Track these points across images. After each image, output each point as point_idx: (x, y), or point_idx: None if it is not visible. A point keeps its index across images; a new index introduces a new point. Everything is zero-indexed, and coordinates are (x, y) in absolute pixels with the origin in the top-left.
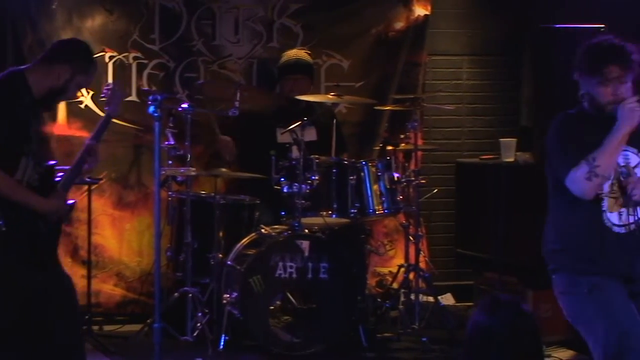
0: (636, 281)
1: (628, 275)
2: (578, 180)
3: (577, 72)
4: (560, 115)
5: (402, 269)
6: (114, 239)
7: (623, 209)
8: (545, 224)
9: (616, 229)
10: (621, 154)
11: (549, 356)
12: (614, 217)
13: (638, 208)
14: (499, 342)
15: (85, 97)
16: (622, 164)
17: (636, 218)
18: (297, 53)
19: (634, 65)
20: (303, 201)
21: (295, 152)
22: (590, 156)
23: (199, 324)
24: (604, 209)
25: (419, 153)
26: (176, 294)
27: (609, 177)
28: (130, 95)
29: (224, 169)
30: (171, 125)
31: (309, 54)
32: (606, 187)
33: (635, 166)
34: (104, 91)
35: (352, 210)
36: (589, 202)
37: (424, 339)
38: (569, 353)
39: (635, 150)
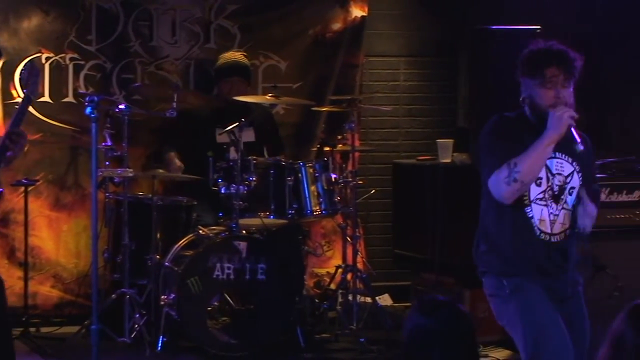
0: (561, 288)
1: (552, 281)
2: (498, 184)
3: (519, 75)
4: (495, 116)
5: (340, 270)
6: (51, 240)
7: (553, 217)
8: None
9: (543, 236)
10: (554, 162)
11: (486, 356)
12: (544, 224)
13: (566, 216)
14: (436, 343)
15: (21, 98)
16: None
17: (566, 227)
18: (233, 55)
19: (576, 72)
20: (241, 202)
21: (232, 153)
22: (513, 161)
23: (136, 326)
24: (530, 215)
25: (356, 154)
26: (113, 296)
27: (529, 184)
28: (67, 96)
29: (161, 170)
30: (108, 126)
31: (245, 56)
32: (536, 193)
33: (569, 175)
34: (21, 73)
35: (290, 211)
36: (516, 206)
37: (361, 340)
38: (505, 353)
39: (569, 159)
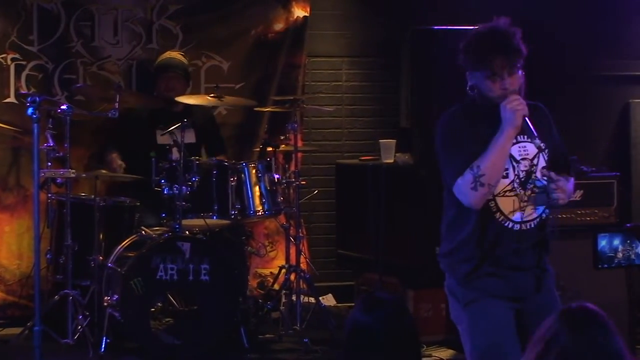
0: (528, 282)
1: (518, 277)
2: (465, 191)
3: (463, 64)
4: (443, 116)
5: (283, 270)
6: None
7: (523, 204)
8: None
9: (516, 226)
10: (517, 147)
11: (430, 355)
12: (515, 214)
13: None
14: (377, 340)
15: None
16: (539, 177)
17: (538, 215)
18: (170, 54)
19: (522, 52)
20: (183, 203)
21: (175, 154)
22: (475, 164)
23: (79, 327)
24: (495, 209)
25: (299, 154)
26: (56, 297)
27: (497, 184)
28: (8, 97)
29: (104, 171)
30: (50, 127)
31: (182, 55)
32: (502, 187)
33: (535, 156)
34: None
35: (233, 212)
36: (491, 210)
37: (305, 340)
38: (449, 352)
39: (529, 140)
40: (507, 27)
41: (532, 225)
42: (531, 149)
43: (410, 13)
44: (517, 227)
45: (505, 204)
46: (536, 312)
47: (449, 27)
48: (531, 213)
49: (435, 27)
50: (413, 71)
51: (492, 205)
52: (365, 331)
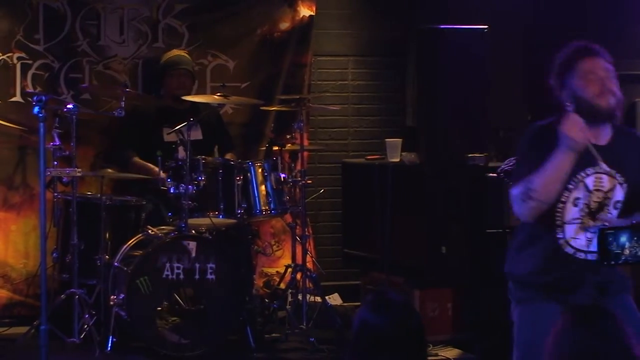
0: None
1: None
2: (515, 200)
3: (556, 76)
4: (530, 126)
5: (289, 270)
6: (0, 240)
7: (590, 234)
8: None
9: (579, 255)
10: (592, 177)
11: (436, 355)
12: (579, 243)
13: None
14: (385, 340)
15: None
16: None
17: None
18: (175, 52)
19: (611, 62)
20: (190, 202)
21: (181, 153)
22: (531, 177)
23: (85, 326)
24: (561, 236)
25: (305, 153)
26: (63, 296)
27: (547, 202)
28: (14, 96)
29: (109, 170)
30: (56, 126)
31: (187, 53)
32: (572, 215)
33: (610, 190)
34: None
35: (239, 211)
36: (547, 227)
37: (311, 339)
38: (455, 352)
39: (611, 171)
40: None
41: (595, 257)
42: (607, 180)
43: (417, 12)
44: (581, 255)
45: (570, 230)
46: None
47: (455, 27)
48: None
49: (442, 27)
50: (419, 70)
51: (559, 233)
52: (373, 331)
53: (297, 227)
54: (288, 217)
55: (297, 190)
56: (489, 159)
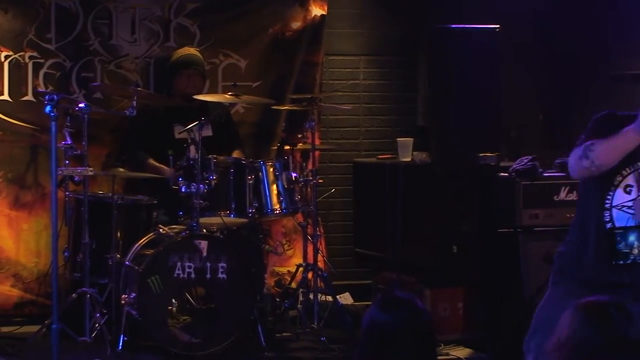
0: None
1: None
2: (573, 155)
3: None
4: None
5: (301, 269)
6: (11, 239)
7: None
8: None
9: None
10: None
11: (447, 354)
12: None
13: None
14: (394, 339)
15: None
16: None
17: None
18: (187, 50)
19: None
20: (201, 201)
21: (192, 152)
22: (595, 140)
23: (97, 325)
24: (607, 219)
25: (317, 153)
26: (74, 295)
27: (600, 167)
28: (26, 95)
29: (121, 169)
30: (68, 125)
31: (198, 51)
32: (622, 200)
33: None
34: None
35: (250, 210)
36: (597, 208)
37: (322, 339)
38: (466, 351)
39: None
40: None
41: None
42: None
43: (428, 11)
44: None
45: (620, 218)
46: None
47: (466, 26)
48: None
49: (453, 26)
50: (431, 70)
51: (606, 214)
52: (382, 329)
53: (309, 226)
54: (299, 217)
55: (309, 189)
56: (501, 158)
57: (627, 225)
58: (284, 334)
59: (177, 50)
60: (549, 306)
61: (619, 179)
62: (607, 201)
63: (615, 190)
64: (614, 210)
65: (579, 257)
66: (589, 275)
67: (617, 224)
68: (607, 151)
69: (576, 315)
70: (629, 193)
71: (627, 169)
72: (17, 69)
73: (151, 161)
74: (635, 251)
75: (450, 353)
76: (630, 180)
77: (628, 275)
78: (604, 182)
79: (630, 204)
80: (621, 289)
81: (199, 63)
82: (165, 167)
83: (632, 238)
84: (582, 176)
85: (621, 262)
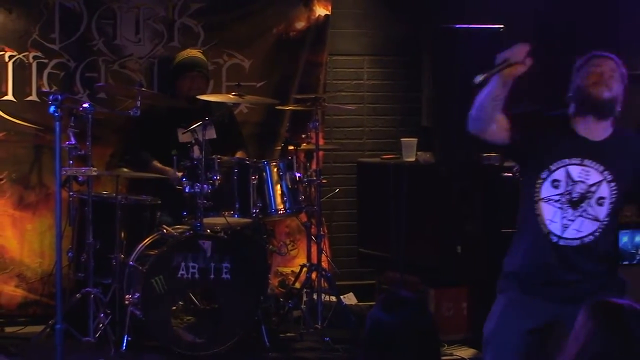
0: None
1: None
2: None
3: (571, 78)
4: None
5: (305, 269)
6: (15, 239)
7: (566, 221)
8: None
9: (552, 238)
10: (578, 168)
11: (451, 354)
12: (555, 226)
13: (585, 224)
14: (397, 339)
15: None
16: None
17: (582, 234)
18: (190, 52)
19: (622, 67)
20: (205, 201)
21: (196, 152)
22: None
23: (101, 325)
24: (538, 212)
25: (320, 153)
26: (78, 295)
27: (477, 118)
28: (30, 95)
29: (125, 169)
30: (72, 125)
31: (202, 53)
32: (549, 193)
33: (595, 184)
34: None
35: (254, 210)
36: (528, 202)
37: (326, 339)
38: (470, 351)
39: (600, 167)
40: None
41: (573, 244)
42: (594, 175)
43: (432, 11)
44: (554, 238)
45: (548, 210)
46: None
47: (470, 26)
48: (576, 231)
49: (457, 26)
50: (435, 70)
51: (535, 207)
52: (385, 329)
53: (312, 226)
54: (303, 217)
55: (313, 189)
56: (504, 158)
57: (553, 217)
58: (288, 334)
59: (181, 52)
60: (495, 317)
61: (546, 173)
62: (536, 194)
63: (542, 183)
64: (542, 203)
65: (516, 255)
66: (523, 274)
67: (546, 217)
68: (479, 97)
69: (591, 322)
70: (555, 187)
71: (554, 163)
72: (21, 69)
73: (155, 163)
74: None
75: (455, 353)
76: (558, 175)
77: (557, 274)
78: (532, 177)
79: (557, 197)
80: (555, 287)
81: (202, 65)
82: (170, 169)
83: (638, 238)
84: (474, 127)
85: (626, 262)
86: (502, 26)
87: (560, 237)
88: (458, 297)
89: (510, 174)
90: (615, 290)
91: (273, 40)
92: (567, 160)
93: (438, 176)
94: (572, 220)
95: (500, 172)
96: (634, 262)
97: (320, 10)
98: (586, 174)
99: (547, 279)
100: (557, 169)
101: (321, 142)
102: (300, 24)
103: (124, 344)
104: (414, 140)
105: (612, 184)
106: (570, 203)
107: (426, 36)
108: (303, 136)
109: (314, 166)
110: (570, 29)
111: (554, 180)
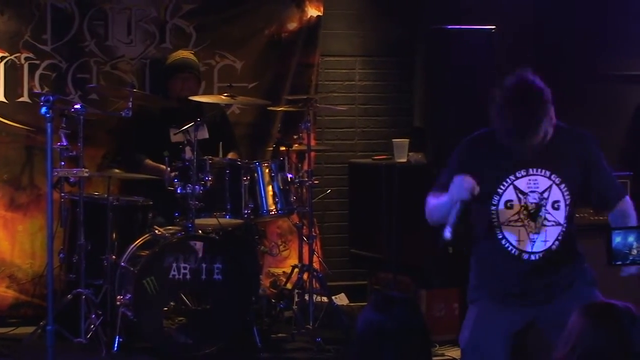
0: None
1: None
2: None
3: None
4: (466, 138)
5: (296, 270)
6: (6, 240)
7: (533, 236)
8: None
9: (525, 255)
10: (525, 180)
11: (442, 355)
12: (523, 244)
13: (550, 231)
14: (388, 339)
15: None
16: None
17: (549, 243)
18: (182, 53)
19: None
20: (196, 202)
21: (188, 153)
22: (435, 192)
23: (92, 326)
24: (501, 237)
25: (312, 154)
26: (69, 296)
27: (434, 222)
28: (22, 96)
29: (117, 170)
30: (64, 126)
31: (194, 54)
32: (507, 217)
33: (545, 190)
34: None
35: (246, 211)
36: (488, 231)
37: (318, 339)
38: None
39: (546, 173)
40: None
41: (544, 256)
42: (543, 182)
43: (424, 12)
44: (525, 256)
45: (511, 234)
46: (551, 320)
47: (462, 27)
48: (544, 242)
49: (450, 27)
50: (427, 71)
51: (498, 233)
52: (376, 330)
53: (304, 227)
54: (295, 218)
55: (304, 190)
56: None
57: (519, 237)
58: (280, 334)
59: (172, 53)
60: (470, 326)
61: (497, 198)
62: (494, 220)
63: (497, 208)
64: (503, 227)
65: (483, 271)
66: (494, 287)
67: (511, 240)
68: (432, 211)
69: (583, 320)
70: (510, 208)
71: (501, 186)
72: (12, 70)
73: (149, 162)
74: (635, 252)
75: (446, 353)
76: (508, 195)
77: (529, 283)
78: (484, 204)
79: (515, 217)
80: (528, 295)
81: (194, 66)
82: (163, 166)
83: (631, 239)
84: (433, 224)
85: (619, 263)
86: (494, 27)
87: (530, 253)
88: (449, 298)
89: None
90: (586, 283)
91: (265, 41)
92: (512, 177)
93: (430, 177)
94: (537, 233)
95: None
96: (627, 262)
97: (312, 11)
98: (534, 182)
99: (520, 290)
100: (506, 188)
101: (313, 143)
102: (292, 25)
103: (116, 345)
104: (406, 141)
105: (562, 185)
106: (529, 217)
107: (418, 37)
108: (295, 137)
109: (305, 167)
110: (564, 29)
111: (507, 201)
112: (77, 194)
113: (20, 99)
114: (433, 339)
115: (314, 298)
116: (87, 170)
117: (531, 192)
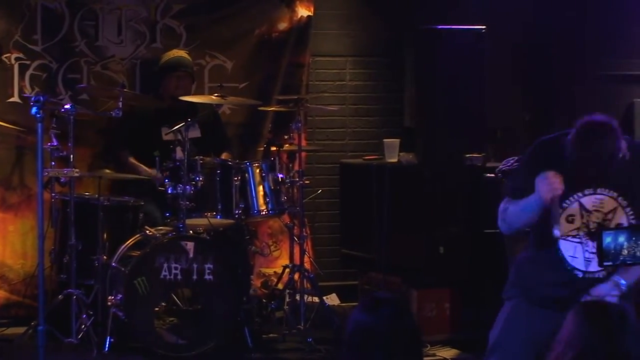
0: None
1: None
2: (499, 213)
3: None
4: (535, 142)
5: (287, 270)
6: None
7: (588, 254)
8: None
9: (577, 273)
10: (592, 198)
11: (434, 355)
12: (577, 262)
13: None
14: (378, 340)
15: None
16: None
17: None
18: (176, 52)
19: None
20: (187, 202)
21: (179, 153)
22: (511, 200)
23: (83, 326)
24: (559, 249)
25: (303, 154)
26: (60, 296)
27: (519, 229)
28: (12, 96)
29: (107, 170)
30: (54, 126)
31: (187, 54)
32: (567, 230)
33: (611, 211)
34: None
35: (237, 211)
36: (548, 241)
37: (309, 340)
38: (453, 352)
39: (613, 194)
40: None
41: (598, 276)
42: (609, 203)
43: (415, 13)
44: (579, 274)
45: (567, 247)
46: None
47: (452, 27)
48: (595, 266)
49: (440, 27)
50: (417, 71)
51: (558, 246)
52: (366, 330)
53: (295, 227)
54: (286, 218)
55: (295, 190)
56: (487, 159)
57: (574, 253)
58: (271, 335)
59: (166, 52)
60: (500, 325)
61: (560, 211)
62: (556, 231)
63: (560, 220)
64: (560, 240)
65: (531, 272)
66: (535, 289)
67: (566, 254)
68: (517, 217)
69: (576, 319)
70: (571, 222)
71: (567, 200)
72: (2, 70)
73: (131, 160)
74: (625, 252)
75: (437, 354)
76: (571, 210)
77: (573, 297)
78: (548, 215)
79: (575, 232)
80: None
81: (188, 65)
82: (145, 167)
83: (621, 239)
84: (507, 232)
85: (610, 263)
86: (484, 27)
87: (585, 272)
88: (441, 298)
89: (493, 175)
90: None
91: (255, 41)
92: (580, 194)
93: (421, 177)
94: (594, 253)
95: (483, 173)
96: (617, 262)
97: (303, 11)
98: (600, 202)
99: (562, 296)
100: (570, 205)
101: (304, 143)
102: (283, 25)
103: (107, 346)
104: (397, 141)
105: (628, 209)
106: (588, 235)
107: (409, 37)
108: (285, 137)
109: (296, 167)
110: (554, 29)
111: (569, 215)
112: (68, 194)
113: (11, 100)
114: (424, 339)
115: (305, 298)
116: (77, 170)
117: (595, 211)
